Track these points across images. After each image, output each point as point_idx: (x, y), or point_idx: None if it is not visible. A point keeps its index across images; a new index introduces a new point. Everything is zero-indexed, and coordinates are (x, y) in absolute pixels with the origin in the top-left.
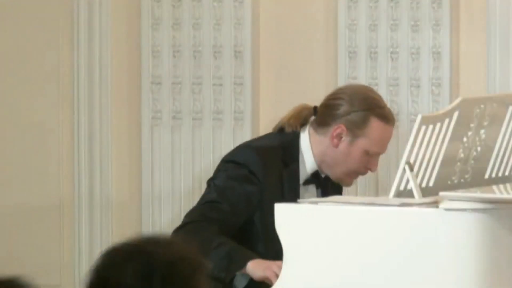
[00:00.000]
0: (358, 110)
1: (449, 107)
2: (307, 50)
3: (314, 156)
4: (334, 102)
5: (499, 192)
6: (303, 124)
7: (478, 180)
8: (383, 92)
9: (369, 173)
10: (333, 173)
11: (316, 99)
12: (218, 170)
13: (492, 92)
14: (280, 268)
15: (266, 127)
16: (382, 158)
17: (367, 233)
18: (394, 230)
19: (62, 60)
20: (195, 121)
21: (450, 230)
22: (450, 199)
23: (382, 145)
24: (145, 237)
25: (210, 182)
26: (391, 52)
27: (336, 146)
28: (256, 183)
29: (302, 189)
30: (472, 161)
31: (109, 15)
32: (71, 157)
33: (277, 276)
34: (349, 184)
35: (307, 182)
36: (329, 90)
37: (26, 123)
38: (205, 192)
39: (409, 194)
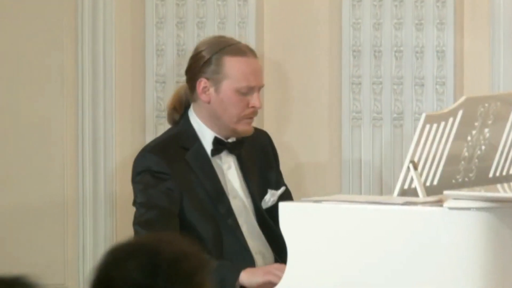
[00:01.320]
0: (209, 58)
1: (453, 106)
2: (311, 48)
3: (205, 124)
4: (190, 62)
5: (504, 191)
6: (187, 104)
7: (482, 179)
8: (387, 91)
9: (373, 172)
10: (225, 127)
11: (320, 97)
12: (133, 190)
13: (496, 90)
14: (279, 269)
15: (269, 125)
16: (386, 157)
17: (371, 231)
18: (398, 229)
19: (66, 59)
20: None
21: (454, 229)
22: (454, 198)
23: (248, 79)
24: (147, 234)
25: (135, 204)
26: (395, 51)
27: (208, 101)
28: (166, 178)
29: (214, 162)
30: (477, 160)
31: (113, 14)
32: (75, 156)
33: (279, 277)
34: (248, 132)
35: (214, 152)
36: (333, 88)
37: (30, 122)
38: (135, 215)
39: (413, 193)
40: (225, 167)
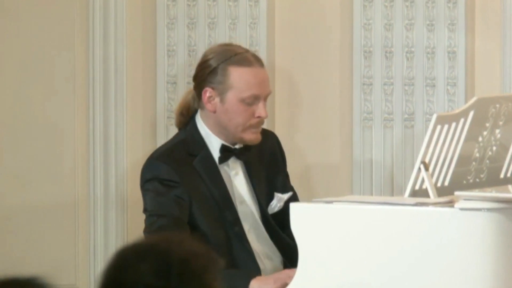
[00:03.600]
0: (215, 67)
1: (465, 106)
2: (322, 49)
3: (212, 131)
4: (197, 71)
5: None
6: (194, 108)
7: (493, 180)
8: (399, 92)
9: (384, 173)
10: (232, 136)
11: (331, 98)
12: (143, 197)
13: (508, 91)
14: (288, 276)
15: (280, 126)
16: (397, 158)
17: (382, 232)
18: (409, 229)
19: (77, 60)
20: None
21: (465, 229)
22: (465, 198)
23: (254, 88)
24: (155, 236)
25: (145, 212)
26: (407, 52)
27: (214, 110)
28: (176, 186)
29: (222, 169)
30: (488, 161)
31: (124, 14)
32: (86, 157)
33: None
34: (255, 141)
35: (222, 159)
36: (344, 89)
37: (42, 123)
38: (145, 223)
39: (424, 193)
40: (232, 173)
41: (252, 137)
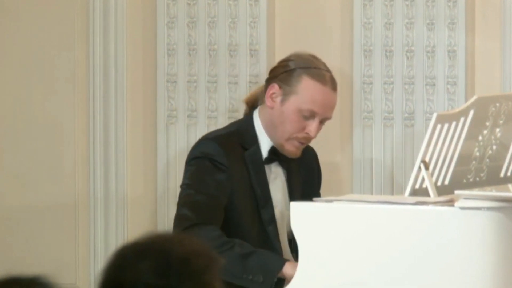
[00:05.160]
0: (292, 69)
1: (465, 105)
2: (322, 48)
3: (265, 130)
4: (275, 68)
5: None
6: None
7: (493, 179)
8: (399, 91)
9: (385, 172)
10: (275, 140)
11: None
12: (185, 172)
13: (508, 90)
14: None
15: None
16: (397, 157)
17: (382, 231)
18: (409, 228)
19: (77, 59)
20: (211, 120)
21: (466, 228)
22: (465, 197)
23: (315, 104)
24: (154, 234)
25: (182, 184)
26: (407, 51)
27: (271, 107)
28: (223, 170)
29: (267, 170)
30: (488, 160)
31: (124, 13)
32: (87, 156)
33: None
34: (294, 154)
35: (268, 161)
36: (345, 88)
37: (42, 123)
38: (180, 195)
39: (425, 192)
40: (271, 177)
41: (292, 149)
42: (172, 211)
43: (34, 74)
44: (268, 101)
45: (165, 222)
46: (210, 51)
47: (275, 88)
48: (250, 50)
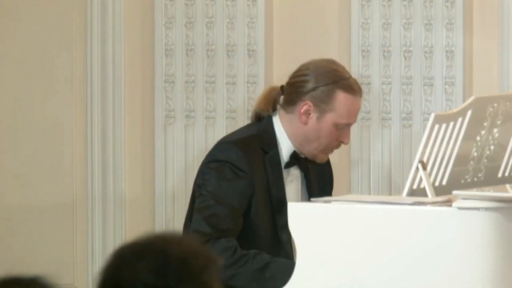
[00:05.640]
0: (323, 85)
1: (462, 105)
2: (320, 48)
3: (289, 137)
4: (299, 79)
5: None
6: (275, 107)
7: (491, 179)
8: (397, 91)
9: (382, 172)
10: (307, 150)
11: None
12: (203, 174)
13: (505, 90)
14: None
15: None
16: (395, 157)
17: (380, 232)
18: (407, 229)
19: (75, 60)
20: (208, 120)
21: (464, 228)
22: (463, 198)
23: (351, 117)
24: (153, 235)
25: (201, 189)
26: (404, 51)
27: (305, 123)
28: (243, 177)
29: (285, 173)
30: (485, 160)
31: (122, 14)
32: (85, 156)
33: None
34: (323, 160)
35: (288, 165)
36: None
37: (41, 123)
38: (199, 201)
39: (422, 193)
40: (288, 180)
41: (324, 157)
42: (170, 210)
43: (32, 74)
44: (301, 118)
45: (163, 222)
46: (208, 51)
47: (308, 105)
48: (248, 50)
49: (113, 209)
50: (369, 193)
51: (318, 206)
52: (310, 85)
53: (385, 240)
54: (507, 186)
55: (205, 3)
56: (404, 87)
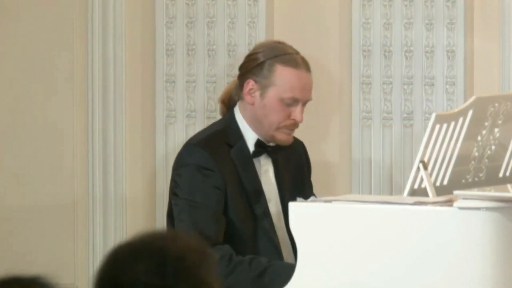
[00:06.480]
0: (263, 61)
1: (463, 105)
2: (321, 48)
3: (248, 125)
4: (245, 61)
5: None
6: (236, 97)
7: (492, 179)
8: (397, 91)
9: (383, 172)
10: (263, 133)
11: (330, 97)
12: (174, 181)
13: (506, 90)
14: None
15: None
16: (396, 157)
17: (381, 231)
18: (408, 228)
19: (76, 60)
20: (209, 120)
21: (464, 228)
22: (464, 197)
23: (295, 91)
24: (148, 233)
25: (176, 198)
26: (405, 51)
27: (252, 103)
28: (213, 176)
29: (256, 164)
30: (486, 160)
31: (123, 13)
32: (85, 156)
33: None
34: (286, 141)
35: (256, 154)
36: (343, 88)
37: (41, 122)
38: (178, 211)
39: (423, 192)
40: (262, 170)
41: (284, 137)
42: None
43: (33, 74)
44: (247, 98)
45: (164, 222)
46: (209, 51)
47: (251, 83)
48: (249, 50)
49: (114, 209)
50: (370, 193)
51: (319, 206)
52: (252, 64)
53: (386, 240)
54: (508, 186)
55: (206, 2)
56: (405, 87)
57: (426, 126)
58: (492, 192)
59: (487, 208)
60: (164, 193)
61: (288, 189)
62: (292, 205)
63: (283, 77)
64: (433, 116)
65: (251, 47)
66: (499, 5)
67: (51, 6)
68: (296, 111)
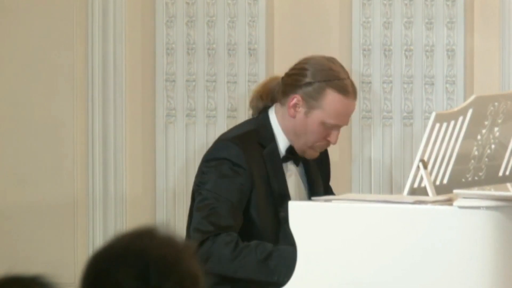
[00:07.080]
0: (316, 81)
1: (463, 104)
2: (321, 47)
3: (282, 130)
4: (296, 72)
5: None
6: (273, 99)
7: (492, 178)
8: (397, 90)
9: (383, 171)
10: (297, 145)
11: None
12: (202, 173)
13: (506, 89)
14: None
15: None
16: (396, 156)
17: (381, 231)
18: (408, 227)
19: (76, 58)
20: (209, 119)
21: (464, 227)
22: (464, 196)
23: (339, 118)
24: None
25: (200, 188)
26: (405, 50)
27: (293, 116)
28: (242, 174)
29: (284, 167)
30: (486, 159)
31: (123, 12)
32: (86, 155)
33: None
34: (313, 156)
35: (285, 159)
36: None
37: (41, 121)
38: (199, 200)
39: (423, 192)
40: (287, 174)
41: (313, 154)
42: (171, 209)
43: (33, 74)
44: (290, 111)
45: (164, 221)
46: (209, 50)
47: (297, 99)
48: (249, 49)
49: (114, 208)
50: (370, 192)
51: (318, 205)
52: (305, 80)
53: (386, 239)
54: (508, 185)
55: (206, 2)
56: (405, 86)
57: (426, 125)
58: (492, 191)
59: (487, 207)
60: (165, 192)
61: (320, 189)
62: (292, 205)
63: (331, 103)
64: (433, 115)
65: (251, 46)
66: (499, 4)
67: (51, 6)
68: (333, 134)
